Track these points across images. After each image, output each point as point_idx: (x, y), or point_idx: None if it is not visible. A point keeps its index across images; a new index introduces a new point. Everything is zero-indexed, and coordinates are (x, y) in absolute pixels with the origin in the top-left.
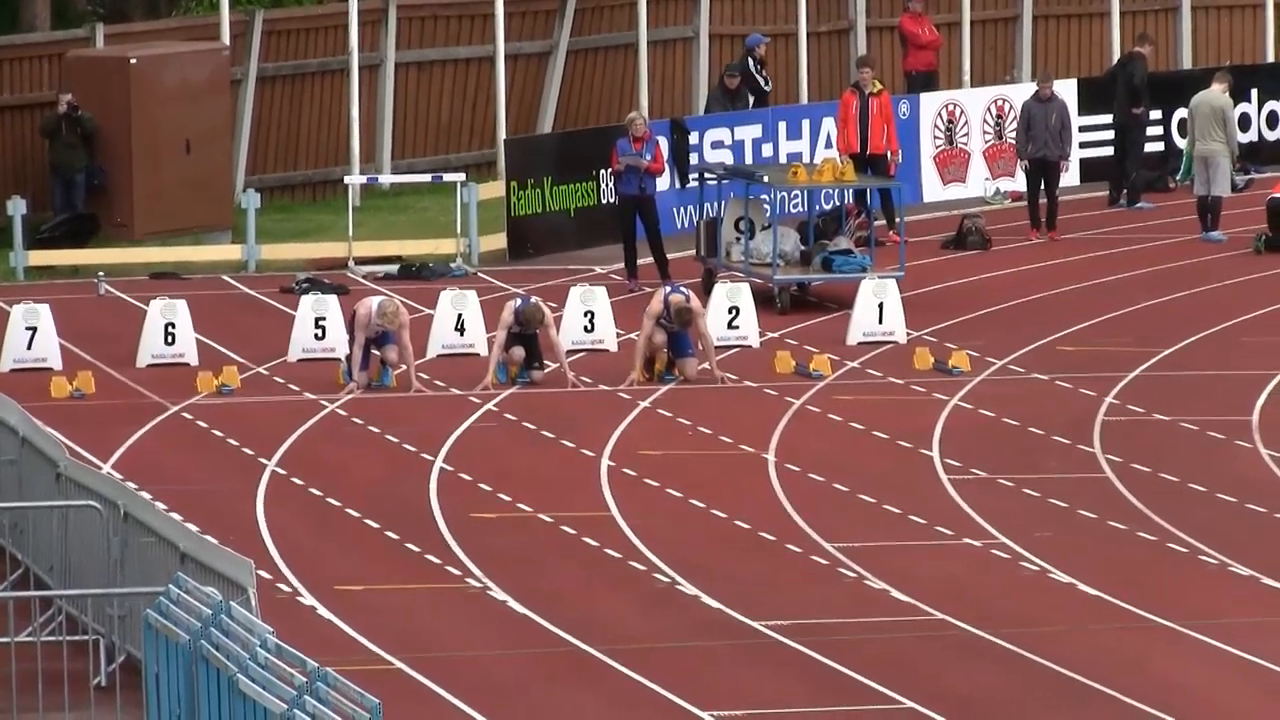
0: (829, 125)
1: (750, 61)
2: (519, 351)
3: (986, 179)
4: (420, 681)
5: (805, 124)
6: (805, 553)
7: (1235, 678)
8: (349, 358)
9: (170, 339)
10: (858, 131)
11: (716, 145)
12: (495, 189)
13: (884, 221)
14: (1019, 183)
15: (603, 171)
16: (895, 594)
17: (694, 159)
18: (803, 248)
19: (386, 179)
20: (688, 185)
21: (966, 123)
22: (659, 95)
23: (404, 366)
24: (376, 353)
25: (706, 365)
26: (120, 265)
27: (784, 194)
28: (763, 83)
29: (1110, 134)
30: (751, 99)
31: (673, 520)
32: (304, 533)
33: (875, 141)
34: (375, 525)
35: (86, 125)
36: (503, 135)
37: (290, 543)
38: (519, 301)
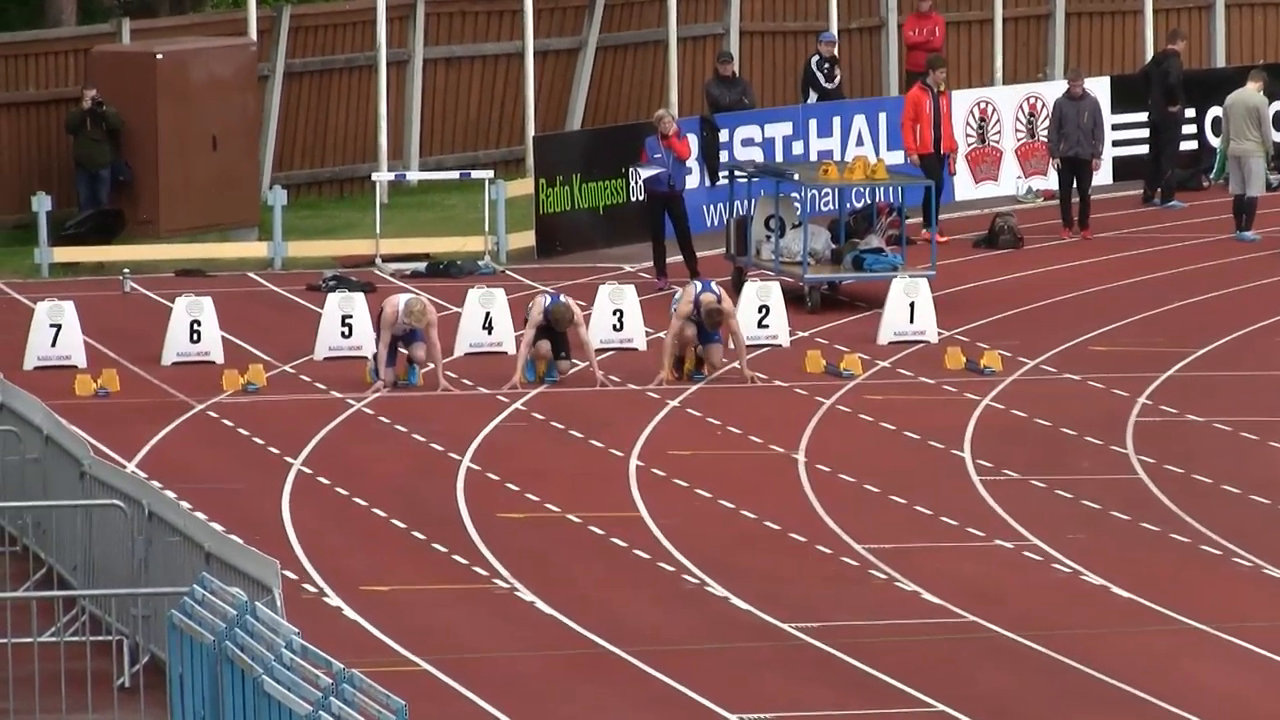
0: (860, 123)
1: (815, 59)
2: (545, 345)
3: (1019, 177)
4: (446, 683)
5: (836, 121)
6: (835, 554)
7: (1267, 682)
8: (376, 356)
9: (196, 337)
10: (931, 131)
11: (747, 143)
12: (524, 186)
13: (920, 220)
14: (1051, 181)
15: (632, 169)
16: (926, 596)
17: (724, 156)
18: (833, 246)
19: (414, 176)
20: (718, 183)
21: (999, 121)
22: (689, 92)
23: (431, 365)
24: (404, 351)
25: (736, 364)
26: (145, 262)
27: (815, 192)
28: (822, 79)
29: (1143, 132)
30: (815, 96)
31: (702, 521)
32: (330, 532)
33: (948, 141)
34: (401, 525)
35: (112, 121)
36: (531, 132)
37: (316, 542)
38: (548, 300)
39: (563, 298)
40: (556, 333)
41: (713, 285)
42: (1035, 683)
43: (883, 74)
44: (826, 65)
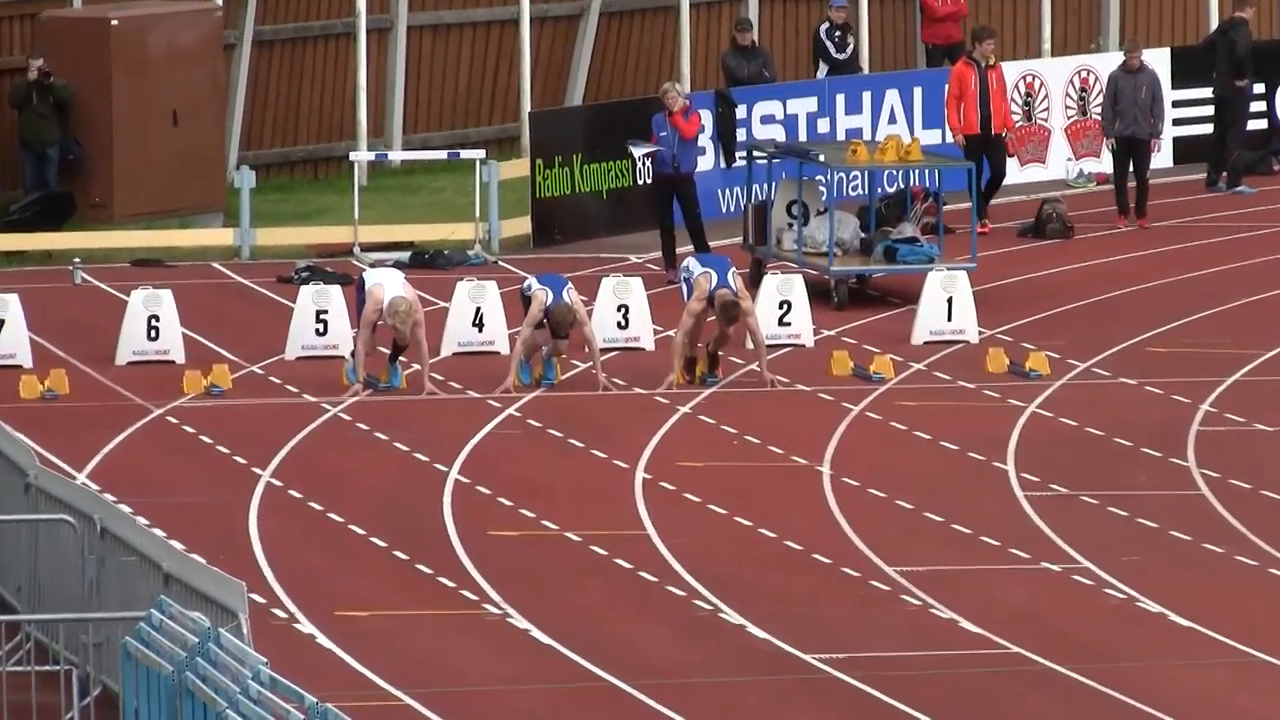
0: (892, 98)
1: (825, 26)
2: (544, 332)
3: (1069, 159)
4: (431, 719)
5: (866, 97)
6: (864, 577)
7: None
8: (354, 354)
9: (154, 333)
10: (978, 110)
11: (767, 120)
12: (519, 168)
13: (965, 205)
14: (1105, 164)
15: (628, 145)
16: (964, 624)
17: (742, 135)
18: (863, 235)
19: (397, 156)
20: (734, 165)
21: (1046, 96)
22: (703, 64)
23: (416, 366)
24: (384, 350)
25: (755, 365)
26: (98, 250)
27: (842, 175)
28: (833, 49)
29: (1208, 109)
30: (826, 68)
31: (715, 539)
32: (302, 551)
33: (999, 120)
34: (382, 543)
35: (60, 94)
36: (527, 108)
37: (287, 563)
38: (550, 297)
39: (566, 295)
40: (558, 336)
41: (729, 278)
42: (1085, 719)
43: (916, 44)
44: (838, 33)
